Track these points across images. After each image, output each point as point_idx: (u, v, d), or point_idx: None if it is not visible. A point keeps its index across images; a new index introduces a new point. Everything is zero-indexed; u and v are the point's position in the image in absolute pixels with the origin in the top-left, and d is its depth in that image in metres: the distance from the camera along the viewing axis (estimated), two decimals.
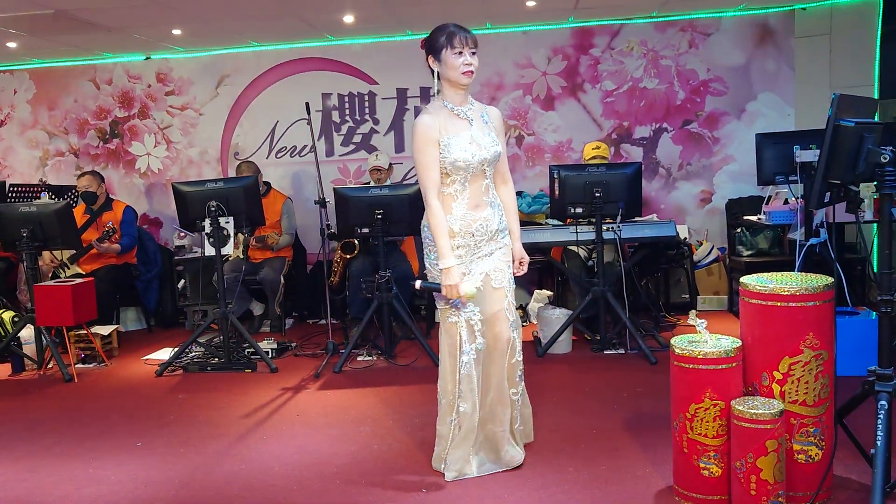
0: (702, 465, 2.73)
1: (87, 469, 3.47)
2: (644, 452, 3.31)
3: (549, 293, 6.03)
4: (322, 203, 5.14)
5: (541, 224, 5.80)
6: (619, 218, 4.91)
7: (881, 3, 6.08)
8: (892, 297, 2.58)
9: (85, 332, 5.34)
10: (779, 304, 2.64)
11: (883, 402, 2.57)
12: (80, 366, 5.32)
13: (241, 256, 6.04)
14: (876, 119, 5.98)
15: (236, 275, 5.68)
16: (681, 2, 6.02)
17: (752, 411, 2.57)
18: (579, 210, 4.94)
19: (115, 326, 5.78)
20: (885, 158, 2.53)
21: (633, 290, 5.11)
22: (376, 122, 6.92)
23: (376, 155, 6.15)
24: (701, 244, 6.37)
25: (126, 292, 6.26)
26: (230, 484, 3.22)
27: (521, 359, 3.24)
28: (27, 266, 5.21)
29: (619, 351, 5.01)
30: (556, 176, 4.98)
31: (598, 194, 4.83)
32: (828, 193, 2.65)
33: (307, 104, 5.35)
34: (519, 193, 6.15)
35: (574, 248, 5.46)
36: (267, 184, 6.34)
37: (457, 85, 3.10)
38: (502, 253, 3.20)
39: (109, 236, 5.84)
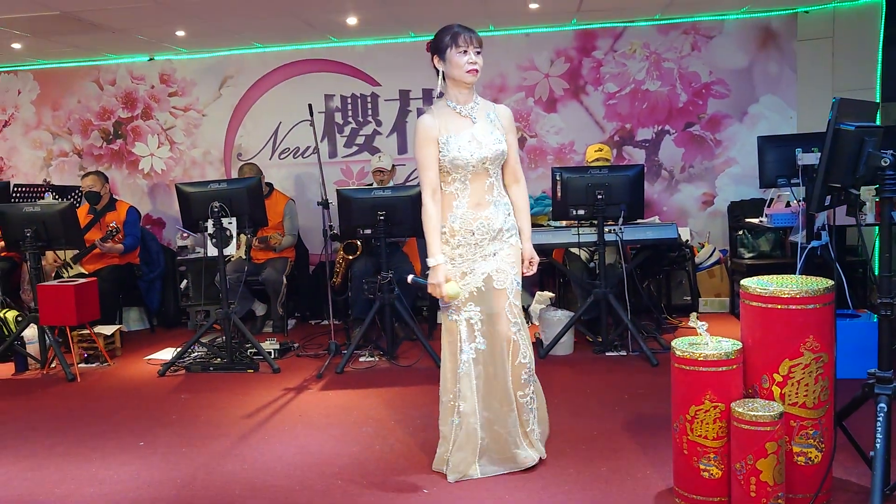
0: (702, 466, 2.74)
1: (89, 468, 3.48)
2: (644, 454, 3.32)
3: (552, 295, 6.03)
4: (325, 204, 5.15)
5: (543, 226, 5.81)
6: (621, 220, 4.92)
7: (883, 5, 6.09)
8: (891, 301, 2.59)
9: (88, 331, 5.36)
10: (779, 306, 2.65)
11: (882, 405, 2.57)
12: (82, 365, 5.34)
13: (244, 257, 6.06)
14: (878, 122, 6.00)
15: (239, 275, 5.70)
16: (684, 4, 6.03)
17: (752, 413, 2.58)
18: (581, 212, 4.95)
19: (118, 326, 5.80)
20: (885, 162, 2.54)
21: (634, 292, 5.12)
22: (379, 123, 6.93)
23: (379, 156, 6.17)
24: (703, 246, 6.38)
25: (129, 292, 6.28)
26: (232, 484, 3.24)
27: (526, 361, 3.17)
28: (31, 266, 5.24)
29: (621, 353, 5.02)
30: (558, 178, 4.99)
31: (600, 196, 4.84)
32: (828, 197, 2.66)
33: (310, 106, 5.37)
34: None
35: (576, 249, 5.47)
36: (269, 185, 6.36)
37: (461, 84, 3.11)
38: (506, 254, 3.16)
39: (112, 236, 5.86)
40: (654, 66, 6.57)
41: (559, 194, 5.00)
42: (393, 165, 6.21)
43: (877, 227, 4.23)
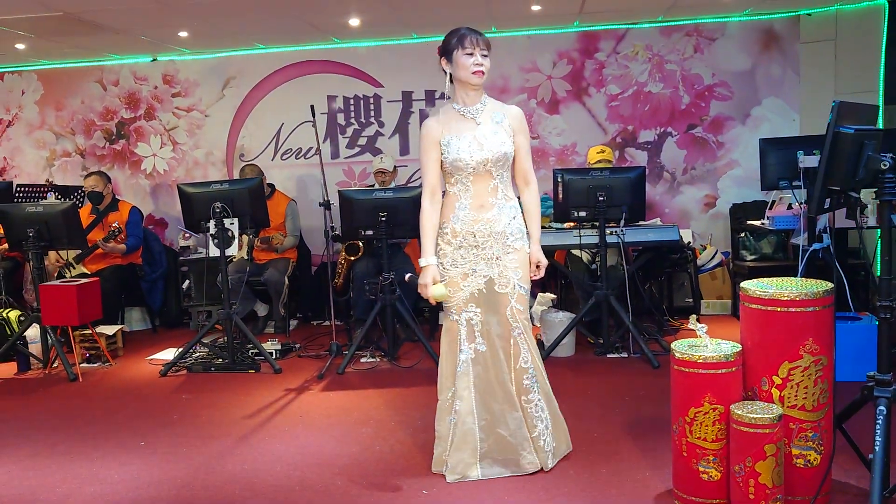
0: (701, 468, 2.74)
1: (90, 468, 3.49)
2: (644, 456, 3.32)
3: (553, 296, 6.04)
4: (326, 205, 5.17)
5: (544, 227, 5.80)
6: (622, 222, 4.92)
7: (886, 8, 6.08)
8: (891, 304, 2.59)
9: (90, 331, 5.37)
10: (778, 309, 2.65)
11: (882, 408, 2.57)
12: (84, 365, 5.36)
13: (246, 257, 6.08)
14: (880, 125, 5.98)
15: (240, 276, 5.71)
16: (686, 6, 6.03)
17: (751, 416, 2.58)
18: (583, 214, 4.95)
19: (120, 326, 5.81)
20: (884, 165, 2.53)
21: (636, 294, 5.12)
22: (381, 124, 6.94)
23: (381, 157, 6.17)
24: (705, 248, 6.38)
25: (131, 292, 6.29)
26: (232, 484, 3.24)
27: (527, 366, 3.15)
28: (33, 266, 5.25)
29: (622, 354, 5.02)
30: (560, 179, 4.99)
31: (601, 198, 4.84)
32: (828, 199, 2.66)
33: (312, 107, 5.38)
34: None
35: (577, 251, 5.47)
36: (271, 186, 6.37)
37: (468, 85, 3.12)
38: (511, 258, 3.14)
39: (115, 236, 5.88)
40: (656, 68, 6.57)
41: (560, 196, 5.00)
42: (395, 167, 6.22)
43: (878, 230, 4.24)
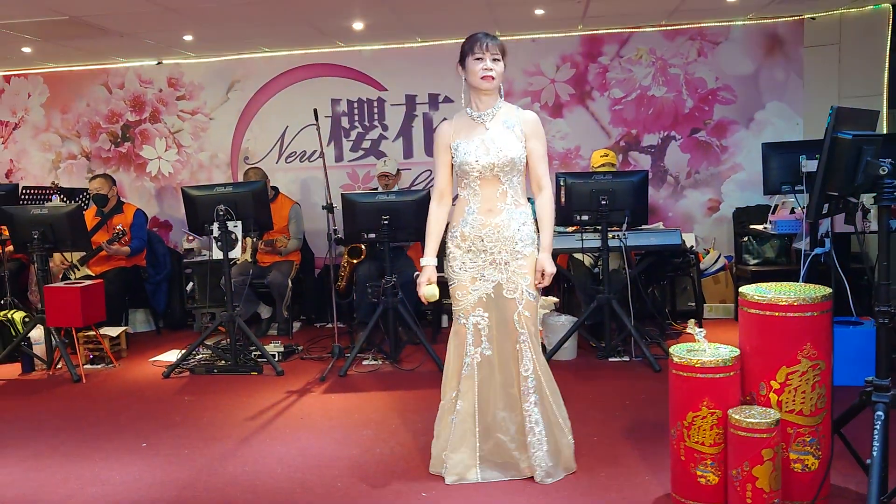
0: (699, 472, 2.74)
1: (92, 469, 3.52)
2: (644, 460, 3.33)
3: (556, 300, 6.04)
4: (329, 208, 5.18)
5: None
6: (624, 226, 4.92)
7: (891, 12, 6.07)
8: (889, 308, 2.59)
9: (94, 333, 5.40)
10: (777, 314, 2.66)
11: (879, 413, 2.57)
12: (88, 366, 5.38)
13: (250, 260, 6.10)
14: (884, 129, 5.97)
15: (244, 278, 5.74)
16: (690, 10, 6.03)
17: (749, 420, 2.58)
18: (585, 217, 4.95)
19: (124, 328, 5.84)
20: (883, 170, 2.53)
21: (638, 298, 5.12)
22: (385, 128, 6.96)
23: (384, 161, 6.20)
24: (708, 252, 6.37)
25: (135, 294, 6.32)
26: (232, 485, 3.26)
27: (527, 374, 3.11)
28: (38, 267, 5.28)
29: (624, 358, 5.02)
30: (562, 183, 5.00)
31: (604, 202, 4.84)
32: (826, 205, 2.66)
33: (315, 110, 5.40)
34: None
35: (580, 255, 5.48)
36: (275, 189, 6.39)
37: (479, 90, 3.14)
38: (520, 264, 3.12)
39: (119, 239, 5.91)
40: (660, 72, 6.57)
41: (563, 200, 5.00)
42: (398, 170, 6.24)
43: None
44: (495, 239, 3.12)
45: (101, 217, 6.15)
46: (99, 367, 5.42)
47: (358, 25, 6.04)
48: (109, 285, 5.56)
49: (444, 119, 3.31)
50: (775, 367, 2.68)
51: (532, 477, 3.15)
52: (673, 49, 6.54)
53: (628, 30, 6.57)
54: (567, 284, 6.03)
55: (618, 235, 4.93)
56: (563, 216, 5.08)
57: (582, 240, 5.06)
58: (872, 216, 4.42)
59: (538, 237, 3.18)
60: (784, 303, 2.65)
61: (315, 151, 6.97)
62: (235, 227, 5.11)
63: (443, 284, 3.27)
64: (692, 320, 2.93)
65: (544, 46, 6.69)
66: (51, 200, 6.45)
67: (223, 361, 5.24)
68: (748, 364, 2.76)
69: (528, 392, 3.13)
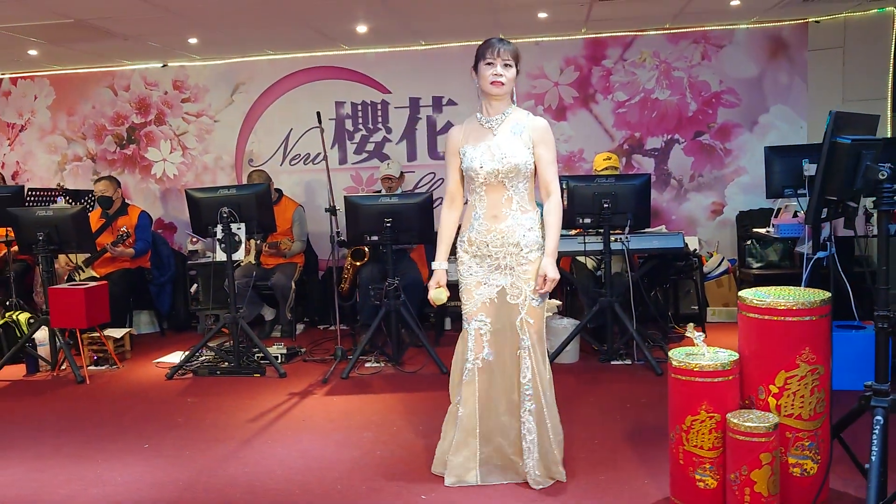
0: (697, 476, 2.75)
1: (94, 469, 3.53)
2: (643, 463, 3.33)
3: (559, 303, 6.04)
4: (332, 211, 5.20)
5: None
6: (627, 229, 4.92)
7: (895, 16, 6.06)
8: (888, 313, 2.59)
9: (98, 334, 5.42)
10: (775, 318, 2.66)
11: (879, 418, 2.57)
12: (92, 368, 5.41)
13: (254, 262, 6.12)
14: (888, 133, 5.95)
15: (247, 280, 5.76)
16: (694, 14, 6.03)
17: (747, 424, 2.59)
18: (588, 220, 4.96)
19: (128, 329, 5.86)
20: (882, 175, 2.54)
21: (641, 301, 5.12)
22: (389, 130, 6.98)
23: (388, 164, 6.21)
24: (711, 256, 6.37)
25: (140, 296, 6.34)
26: (232, 486, 3.28)
27: (525, 381, 3.10)
28: (42, 269, 5.31)
29: (626, 361, 5.02)
30: (565, 186, 4.99)
31: (606, 205, 4.84)
32: (825, 209, 2.66)
33: (318, 113, 5.43)
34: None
35: (582, 258, 5.48)
36: (279, 191, 6.41)
37: (489, 96, 3.15)
38: (525, 270, 3.11)
39: (123, 240, 5.94)
40: (663, 75, 6.57)
41: (566, 203, 5.00)
42: (402, 173, 6.25)
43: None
44: (500, 244, 3.12)
45: (106, 219, 6.18)
46: (103, 368, 5.45)
47: (361, 29, 6.06)
48: (114, 287, 5.58)
49: (453, 124, 3.32)
50: (774, 372, 2.68)
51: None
52: (677, 52, 6.54)
53: (632, 33, 6.57)
54: (570, 287, 6.03)
55: (620, 238, 4.93)
56: (566, 219, 5.06)
57: (584, 243, 5.07)
58: (875, 220, 4.39)
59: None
60: (783, 307, 2.65)
61: (319, 154, 6.99)
62: (239, 229, 5.13)
63: (453, 287, 3.29)
64: (691, 324, 2.93)
65: (548, 49, 6.70)
66: (56, 202, 6.48)
67: (226, 363, 5.26)
68: (747, 368, 2.76)
69: (524, 399, 3.12)
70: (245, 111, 7.14)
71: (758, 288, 2.89)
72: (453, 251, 3.29)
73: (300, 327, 6.45)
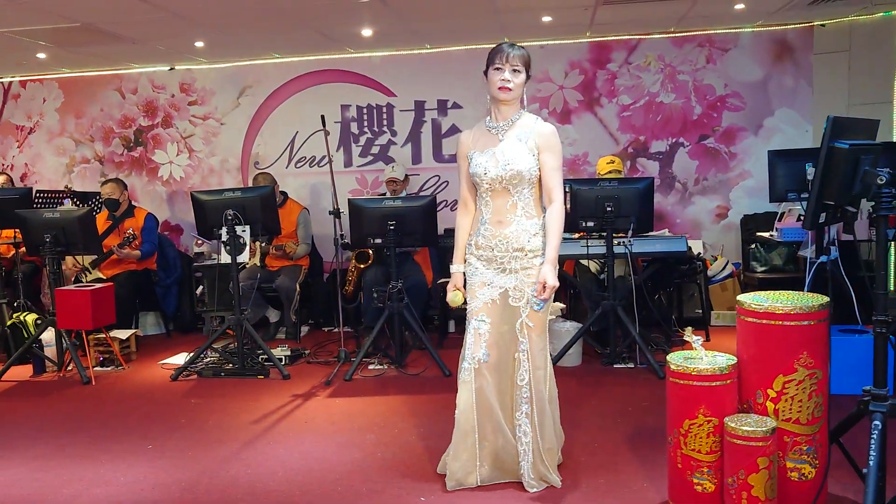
0: (695, 480, 2.75)
1: (97, 470, 3.56)
2: (642, 467, 3.34)
3: (562, 306, 6.04)
4: (336, 213, 5.22)
5: None
6: (630, 232, 4.92)
7: None
8: (886, 318, 2.59)
9: (104, 335, 5.46)
10: (773, 322, 2.66)
11: (877, 423, 2.56)
12: (98, 369, 5.44)
13: (259, 264, 6.15)
14: (893, 137, 5.92)
15: (252, 282, 5.79)
16: (699, 17, 6.03)
17: (744, 428, 2.59)
18: (591, 224, 4.96)
19: (134, 331, 5.90)
20: (881, 180, 2.53)
21: (644, 305, 5.12)
22: (394, 133, 7.01)
23: (392, 166, 6.24)
24: (716, 259, 6.36)
25: (146, 297, 6.38)
26: (233, 487, 3.30)
27: (522, 383, 3.11)
28: (49, 270, 5.35)
29: (629, 365, 5.03)
30: (568, 190, 5.00)
31: (609, 209, 4.86)
32: (824, 213, 2.66)
33: (322, 116, 5.46)
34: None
35: (586, 261, 5.48)
36: (284, 194, 6.44)
37: (497, 101, 3.15)
38: (528, 273, 3.12)
39: (129, 242, 5.98)
40: (668, 79, 6.58)
41: (569, 206, 5.02)
42: (406, 175, 6.28)
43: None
44: (504, 249, 3.14)
45: (113, 221, 6.22)
46: (109, 369, 5.49)
47: (367, 32, 6.09)
48: (120, 288, 5.62)
49: (458, 127, 3.34)
50: (772, 376, 2.68)
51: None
52: (681, 56, 6.54)
53: (637, 36, 6.58)
54: (573, 291, 6.04)
55: (623, 242, 4.94)
56: (569, 222, 5.07)
57: (587, 246, 5.07)
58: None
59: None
60: (781, 311, 2.65)
61: (324, 157, 7.00)
62: (244, 231, 5.16)
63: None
64: (689, 328, 2.94)
65: (552, 53, 6.71)
66: (63, 204, 6.53)
67: (230, 365, 5.28)
68: (745, 372, 2.76)
69: (520, 402, 3.14)
70: (251, 114, 7.18)
71: (756, 292, 2.89)
72: None
73: (304, 329, 6.48)
